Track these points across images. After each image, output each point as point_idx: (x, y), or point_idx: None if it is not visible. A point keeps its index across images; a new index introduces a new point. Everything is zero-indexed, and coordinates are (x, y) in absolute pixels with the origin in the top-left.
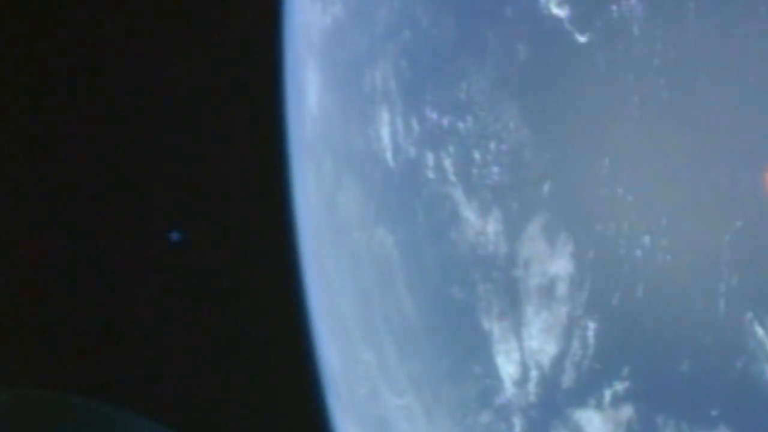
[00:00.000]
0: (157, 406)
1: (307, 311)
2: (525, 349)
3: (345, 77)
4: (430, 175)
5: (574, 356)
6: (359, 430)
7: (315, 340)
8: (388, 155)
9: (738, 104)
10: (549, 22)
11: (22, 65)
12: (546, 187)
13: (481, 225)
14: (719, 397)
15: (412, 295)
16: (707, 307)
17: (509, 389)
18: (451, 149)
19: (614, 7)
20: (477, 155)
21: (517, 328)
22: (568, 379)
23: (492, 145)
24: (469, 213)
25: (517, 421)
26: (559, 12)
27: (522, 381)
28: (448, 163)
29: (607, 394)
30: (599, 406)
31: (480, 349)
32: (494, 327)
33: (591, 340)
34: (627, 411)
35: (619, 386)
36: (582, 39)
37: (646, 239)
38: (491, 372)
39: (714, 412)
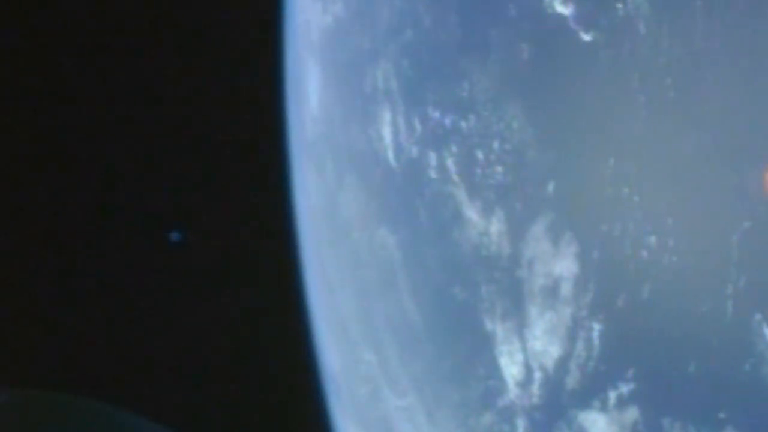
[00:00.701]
0: (157, 406)
1: (308, 311)
2: (528, 351)
3: (346, 76)
4: (433, 174)
5: (579, 358)
6: (360, 430)
7: (316, 341)
8: (390, 155)
9: (745, 103)
10: (553, 20)
11: (22, 65)
12: (550, 187)
13: (484, 225)
14: (727, 399)
15: (414, 295)
16: (714, 308)
17: (512, 390)
18: (454, 149)
19: (620, 5)
20: (480, 155)
21: (520, 329)
22: (572, 381)
23: (495, 145)
24: (472, 213)
25: (521, 423)
26: (564, 10)
27: (525, 382)
28: (450, 163)
29: (612, 396)
30: (604, 408)
31: (483, 350)
32: (497, 328)
33: (596, 342)
34: (632, 413)
35: (625, 388)
36: (587, 37)
37: (652, 240)
38: (494, 373)
39: (721, 415)
